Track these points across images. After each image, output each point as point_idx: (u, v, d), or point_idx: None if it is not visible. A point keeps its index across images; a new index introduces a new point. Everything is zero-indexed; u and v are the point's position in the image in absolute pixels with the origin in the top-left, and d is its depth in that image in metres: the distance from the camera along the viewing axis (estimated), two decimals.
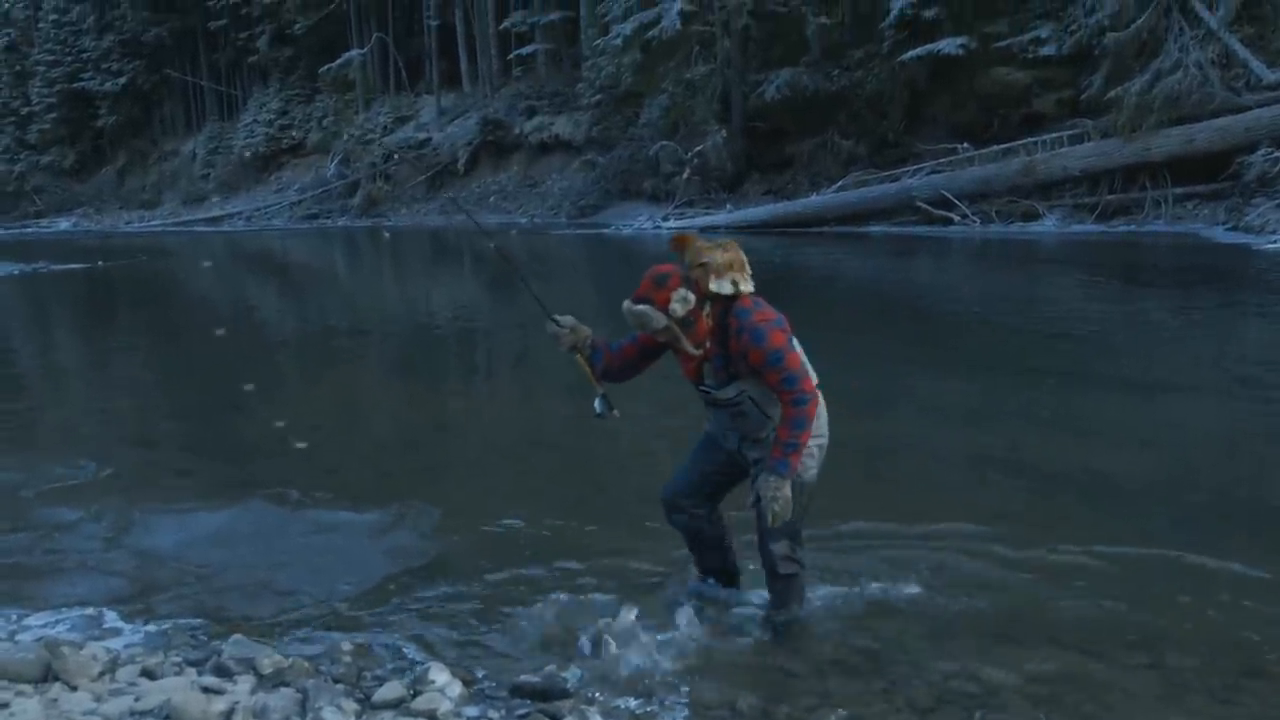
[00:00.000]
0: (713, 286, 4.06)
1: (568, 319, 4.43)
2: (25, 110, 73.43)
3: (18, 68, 74.30)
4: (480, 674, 4.11)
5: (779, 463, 4.09)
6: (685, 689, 3.97)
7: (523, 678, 3.96)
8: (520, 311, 16.34)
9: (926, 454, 7.37)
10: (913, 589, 4.85)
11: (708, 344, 4.16)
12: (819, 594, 4.74)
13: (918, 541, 5.43)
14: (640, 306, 4.09)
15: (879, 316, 14.30)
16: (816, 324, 13.70)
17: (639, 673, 4.08)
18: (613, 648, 4.18)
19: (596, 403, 4.43)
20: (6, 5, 75.38)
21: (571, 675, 4.00)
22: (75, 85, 69.86)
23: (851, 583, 4.94)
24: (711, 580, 4.72)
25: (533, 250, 29.66)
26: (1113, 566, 5.05)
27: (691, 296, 4.05)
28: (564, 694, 3.86)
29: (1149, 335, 11.77)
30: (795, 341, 4.16)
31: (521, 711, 3.77)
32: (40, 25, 72.51)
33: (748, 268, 4.19)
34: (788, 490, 4.10)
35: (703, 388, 4.31)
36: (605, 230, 33.51)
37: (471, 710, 3.83)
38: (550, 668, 4.05)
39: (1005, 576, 4.98)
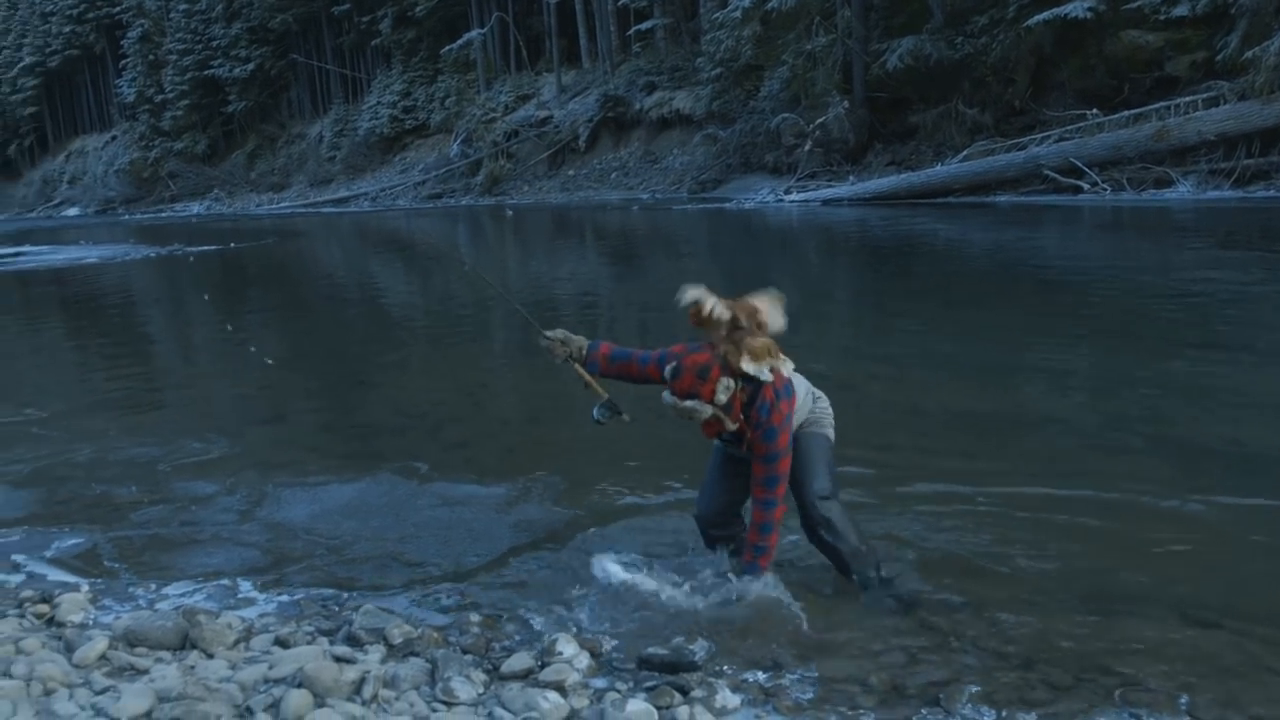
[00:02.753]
0: (748, 369, 4.03)
1: (558, 332, 4.47)
2: (159, 98, 75.74)
3: (151, 57, 76.62)
4: (608, 646, 4.10)
5: (751, 566, 4.34)
6: (812, 663, 3.92)
7: (650, 650, 3.95)
8: (642, 288, 16.36)
9: (1059, 423, 7.18)
10: (1040, 559, 4.75)
11: (742, 417, 4.15)
12: (933, 556, 4.68)
13: (1047, 510, 5.32)
14: (688, 403, 4.04)
15: (1007, 287, 13.99)
16: (942, 297, 13.55)
17: (766, 645, 4.05)
18: (738, 619, 4.16)
19: (596, 410, 4.47)
20: None
21: (700, 648, 3.96)
22: (206, 73, 71.93)
23: (976, 551, 4.86)
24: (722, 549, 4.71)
25: (654, 225, 29.67)
26: (1257, 538, 4.87)
27: (733, 383, 4.02)
28: (692, 666, 3.84)
29: None
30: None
31: (650, 684, 3.76)
32: (172, 15, 74.65)
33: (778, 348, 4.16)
34: (760, 583, 4.32)
35: (724, 439, 4.37)
36: (727, 205, 33.36)
37: (599, 682, 3.83)
38: (678, 640, 4.02)
39: (1142, 547, 4.84)
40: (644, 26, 47.74)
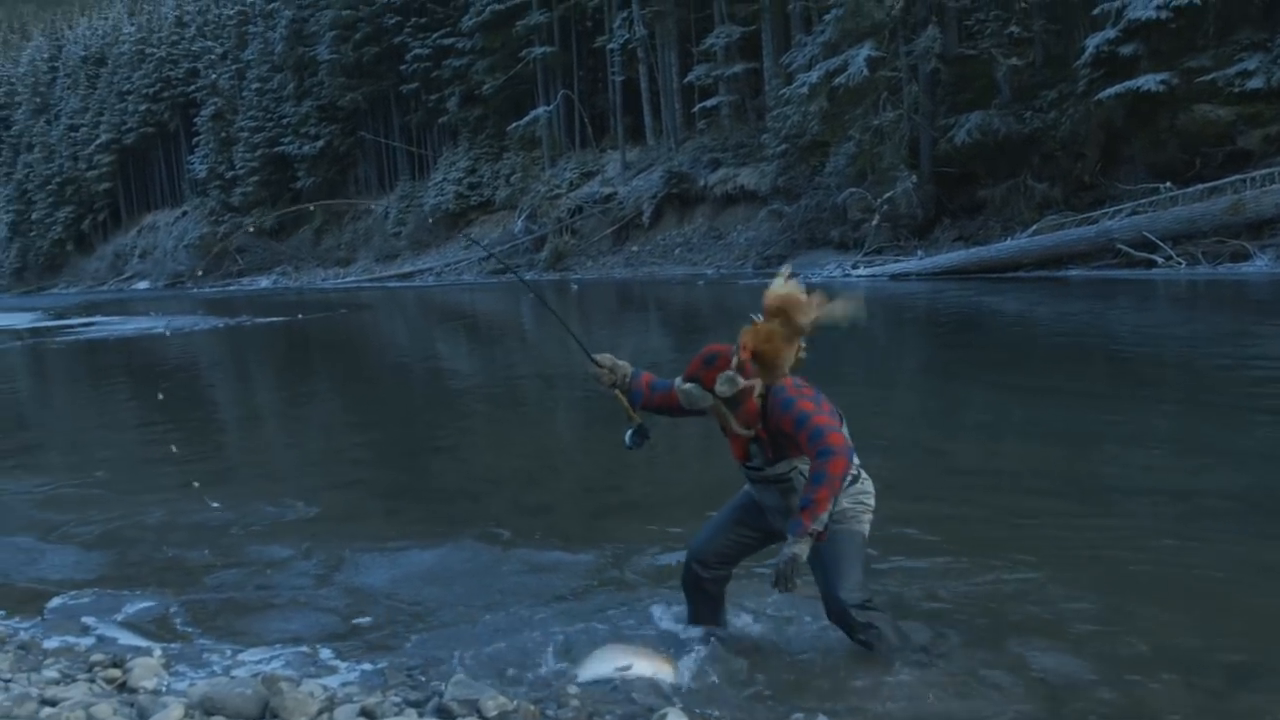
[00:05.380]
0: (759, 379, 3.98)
1: (606, 357, 4.42)
2: (230, 175, 77.12)
3: (223, 134, 78.31)
4: (718, 717, 3.82)
5: (794, 524, 3.87)
6: None
7: None
8: None
9: (1148, 484, 6.89)
10: (1164, 627, 4.43)
11: (758, 426, 4.01)
12: (1042, 619, 4.38)
13: (1163, 570, 5.05)
14: (687, 385, 4.02)
15: (1080, 357, 13.60)
16: (1015, 366, 13.20)
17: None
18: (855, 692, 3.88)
19: (627, 435, 4.41)
20: (214, 76, 79.46)
21: None
22: (276, 149, 73.18)
23: (1090, 615, 4.57)
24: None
25: (720, 299, 29.50)
26: None
27: (740, 379, 3.93)
28: None
29: None
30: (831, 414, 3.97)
31: None
32: (244, 94, 76.27)
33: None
34: (802, 546, 3.82)
35: (750, 466, 4.16)
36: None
37: None
38: (797, 716, 3.74)
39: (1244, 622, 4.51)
40: (709, 104, 47.88)
